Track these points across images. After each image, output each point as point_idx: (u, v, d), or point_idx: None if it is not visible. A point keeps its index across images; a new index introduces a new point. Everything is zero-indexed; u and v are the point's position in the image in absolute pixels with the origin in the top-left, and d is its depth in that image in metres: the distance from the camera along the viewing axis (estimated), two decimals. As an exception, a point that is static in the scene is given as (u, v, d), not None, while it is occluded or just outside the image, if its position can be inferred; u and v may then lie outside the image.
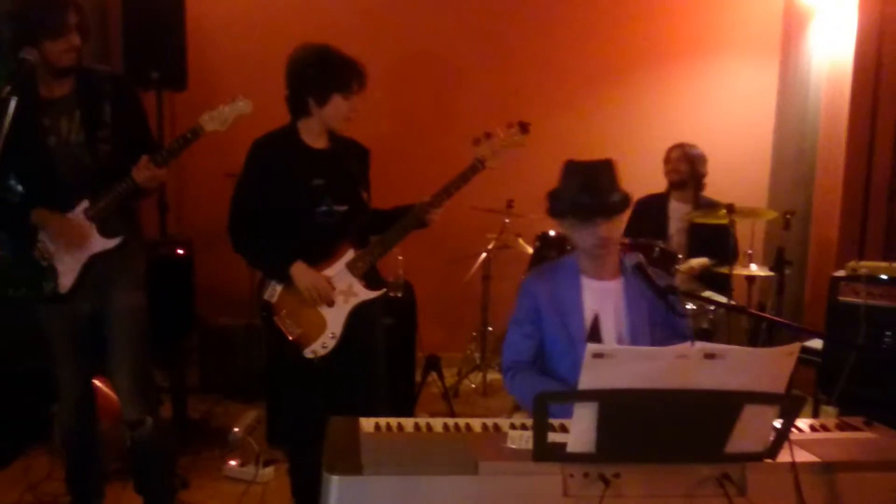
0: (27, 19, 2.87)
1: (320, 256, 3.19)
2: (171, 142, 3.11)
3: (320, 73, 3.13)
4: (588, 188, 2.62)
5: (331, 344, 3.18)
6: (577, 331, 2.69)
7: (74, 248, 3.01)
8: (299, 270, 3.14)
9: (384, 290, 3.34)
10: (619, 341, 2.69)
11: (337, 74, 3.14)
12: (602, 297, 2.72)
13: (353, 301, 3.22)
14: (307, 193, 3.16)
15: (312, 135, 3.24)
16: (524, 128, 3.35)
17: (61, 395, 3.22)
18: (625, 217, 2.73)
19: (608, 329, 2.71)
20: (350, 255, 3.21)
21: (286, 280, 3.17)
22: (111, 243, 3.05)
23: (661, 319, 2.70)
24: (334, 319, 3.20)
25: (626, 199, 2.68)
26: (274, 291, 3.21)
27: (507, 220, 5.15)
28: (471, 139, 3.32)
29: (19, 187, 3.01)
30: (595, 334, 2.70)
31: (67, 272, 3.04)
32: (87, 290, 3.08)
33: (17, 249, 3.12)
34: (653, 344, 2.65)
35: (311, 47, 3.19)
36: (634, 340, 2.67)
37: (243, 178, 3.23)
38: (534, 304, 2.76)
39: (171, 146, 3.07)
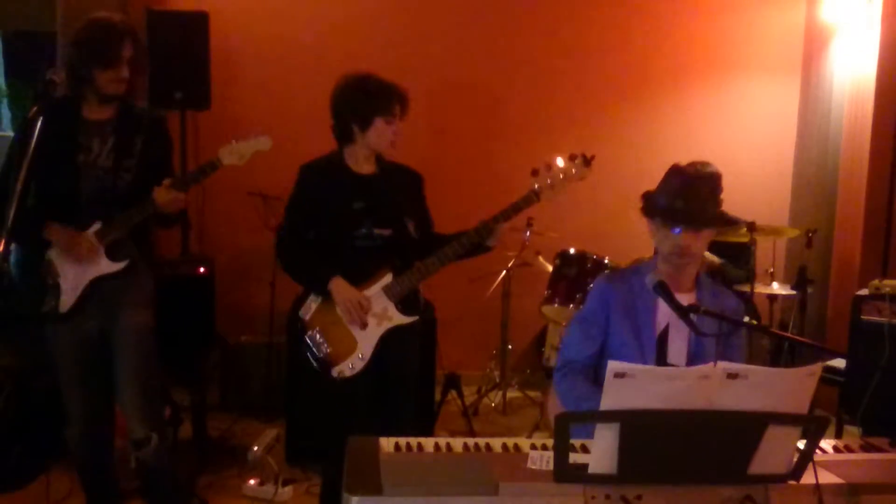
0: (83, 46, 3.00)
1: (359, 278, 3.20)
2: (189, 171, 3.17)
3: (362, 97, 3.19)
4: (683, 193, 2.58)
5: (358, 366, 3.18)
6: (649, 340, 2.66)
7: (81, 264, 3.05)
8: (338, 285, 3.15)
9: (418, 316, 3.32)
10: (687, 355, 2.65)
11: (378, 98, 3.19)
12: None
13: (387, 325, 3.21)
14: (347, 216, 3.19)
15: (358, 160, 3.28)
16: (587, 161, 3.25)
17: (71, 416, 3.22)
18: (710, 234, 2.66)
19: (675, 342, 2.67)
20: (388, 278, 3.22)
21: (325, 294, 3.18)
22: (116, 267, 3.10)
23: (727, 338, 2.66)
24: (365, 341, 3.19)
25: (719, 217, 2.63)
26: (309, 308, 3.23)
27: (526, 238, 5.15)
28: (530, 170, 3.25)
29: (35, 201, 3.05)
30: (662, 346, 2.66)
31: (69, 292, 3.07)
32: (93, 309, 3.11)
33: (23, 266, 3.13)
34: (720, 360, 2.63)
35: (353, 75, 3.25)
36: (698, 355, 2.63)
37: (290, 202, 3.30)
38: (605, 307, 2.72)
39: (190, 175, 3.16)
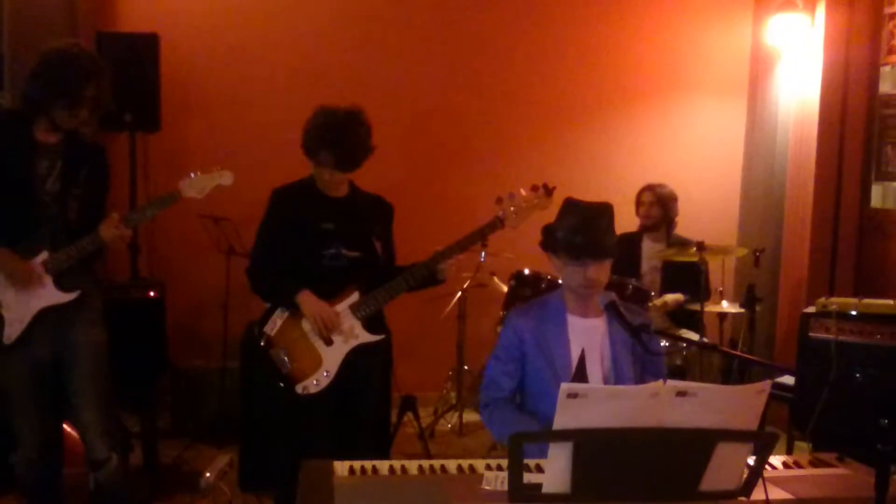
0: (43, 79, 2.93)
1: (326, 296, 3.25)
2: (146, 203, 3.13)
3: (311, 130, 3.25)
4: (583, 229, 2.65)
5: (324, 382, 3.21)
6: (564, 368, 2.69)
7: (25, 293, 2.97)
8: (306, 298, 3.21)
9: (384, 335, 3.37)
10: (604, 378, 2.70)
11: (319, 134, 3.23)
12: (587, 335, 2.74)
13: (353, 343, 3.26)
14: (316, 236, 3.25)
15: (328, 185, 3.33)
16: (549, 191, 3.35)
17: (21, 444, 3.14)
18: (610, 264, 2.76)
19: (593, 365, 2.72)
20: (355, 297, 3.27)
21: (292, 306, 3.22)
22: (67, 297, 3.04)
23: (641, 356, 2.72)
24: (330, 358, 3.23)
25: (615, 246, 2.73)
26: (274, 325, 3.27)
27: (481, 259, 5.16)
28: (494, 198, 3.33)
29: None
30: (581, 371, 2.70)
31: (15, 323, 2.99)
32: (44, 336, 3.04)
33: None
34: (636, 380, 2.68)
35: (318, 108, 3.31)
36: (618, 376, 2.69)
37: (262, 226, 3.36)
38: (518, 340, 2.77)
39: (146, 208, 3.12)
